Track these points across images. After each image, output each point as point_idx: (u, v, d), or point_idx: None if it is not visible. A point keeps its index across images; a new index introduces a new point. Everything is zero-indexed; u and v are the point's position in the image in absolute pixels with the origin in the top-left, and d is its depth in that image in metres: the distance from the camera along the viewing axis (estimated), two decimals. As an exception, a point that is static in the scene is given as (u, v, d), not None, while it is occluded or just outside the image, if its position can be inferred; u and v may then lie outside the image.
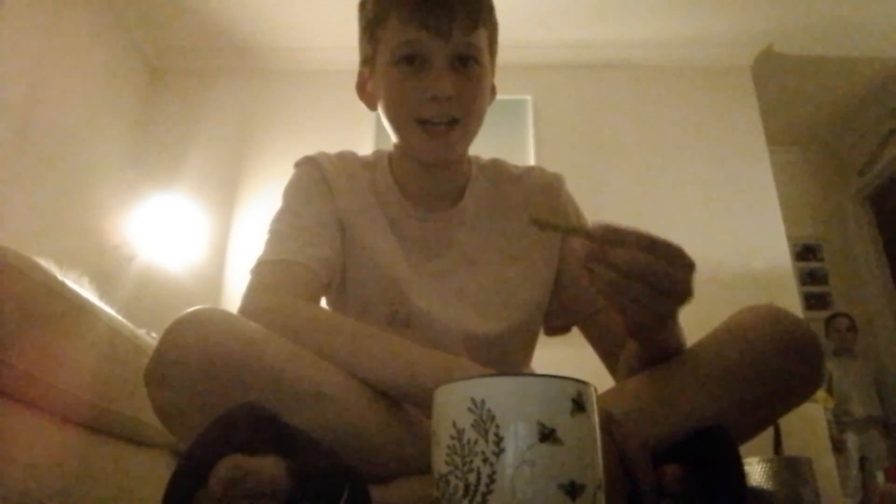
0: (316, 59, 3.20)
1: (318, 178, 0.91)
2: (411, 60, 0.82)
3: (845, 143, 4.12)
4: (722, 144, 3.09)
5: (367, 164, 0.96)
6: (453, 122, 0.83)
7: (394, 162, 0.95)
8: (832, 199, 4.21)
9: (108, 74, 2.90)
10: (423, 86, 0.82)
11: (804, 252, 4.07)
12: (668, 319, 0.65)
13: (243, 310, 0.73)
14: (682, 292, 0.60)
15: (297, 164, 0.95)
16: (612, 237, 0.57)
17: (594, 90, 3.21)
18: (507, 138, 2.95)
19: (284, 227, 0.86)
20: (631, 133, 3.11)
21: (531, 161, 2.96)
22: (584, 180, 3.00)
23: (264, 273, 0.81)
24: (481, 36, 0.85)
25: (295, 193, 0.91)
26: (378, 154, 0.98)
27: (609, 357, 0.89)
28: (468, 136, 0.88)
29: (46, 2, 2.47)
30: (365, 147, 2.84)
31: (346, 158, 0.96)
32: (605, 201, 2.96)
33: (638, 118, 3.14)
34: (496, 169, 0.99)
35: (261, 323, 0.66)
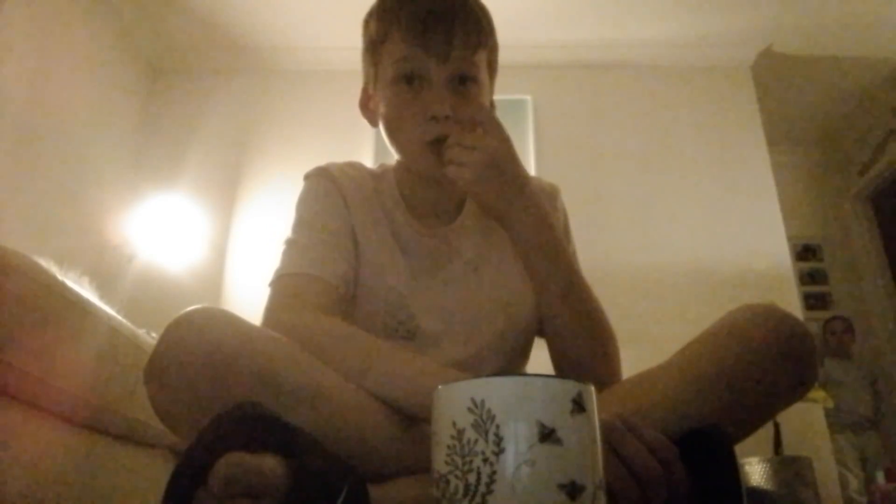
0: (316, 59, 3.20)
1: (332, 190, 0.91)
2: (410, 80, 0.84)
3: (845, 143, 4.12)
4: (722, 144, 3.09)
5: (374, 175, 0.97)
6: None
7: (398, 176, 0.96)
8: (832, 199, 4.21)
9: (108, 74, 2.90)
10: (422, 106, 0.83)
11: (804, 252, 4.07)
12: None
13: (266, 324, 0.74)
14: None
15: (309, 176, 0.94)
16: None
17: (594, 90, 3.20)
18: (507, 138, 2.94)
19: (302, 240, 0.86)
20: (631, 133, 3.11)
21: (531, 161, 2.97)
22: (584, 180, 3.02)
23: (284, 287, 0.81)
24: (480, 56, 0.86)
25: (310, 205, 0.90)
26: (383, 167, 0.99)
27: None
28: None
29: (47, 2, 2.47)
30: (364, 146, 2.85)
31: (356, 168, 0.96)
32: (605, 201, 2.96)
33: (638, 118, 3.14)
34: None
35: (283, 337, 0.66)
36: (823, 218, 4.16)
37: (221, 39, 3.15)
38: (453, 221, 0.94)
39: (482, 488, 0.39)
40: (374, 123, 0.94)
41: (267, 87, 3.19)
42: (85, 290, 1.08)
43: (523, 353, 0.95)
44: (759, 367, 0.66)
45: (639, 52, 3.21)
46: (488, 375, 0.43)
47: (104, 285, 1.39)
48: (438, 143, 0.83)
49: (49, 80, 2.45)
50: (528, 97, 3.09)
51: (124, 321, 1.20)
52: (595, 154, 3.06)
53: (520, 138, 3.00)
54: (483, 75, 0.88)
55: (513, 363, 0.92)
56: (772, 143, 3.15)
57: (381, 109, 0.89)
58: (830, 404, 2.93)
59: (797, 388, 0.69)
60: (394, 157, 0.94)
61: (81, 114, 2.68)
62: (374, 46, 0.89)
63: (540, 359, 0.98)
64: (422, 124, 0.83)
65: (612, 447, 0.54)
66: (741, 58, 3.24)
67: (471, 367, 0.84)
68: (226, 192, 3.00)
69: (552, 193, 0.99)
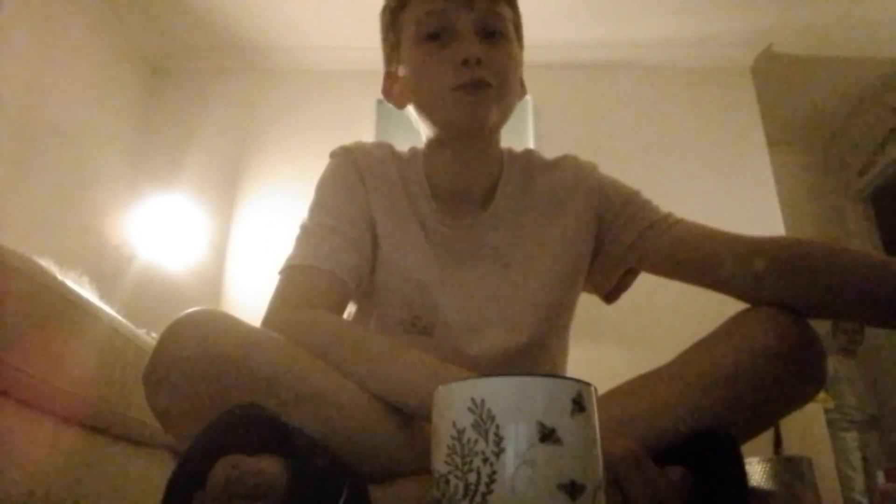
0: (316, 59, 3.20)
1: (353, 174, 0.88)
2: (436, 35, 0.82)
3: (845, 143, 4.12)
4: (722, 144, 3.08)
5: (402, 159, 0.93)
6: (486, 86, 0.81)
7: (427, 159, 0.92)
8: (832, 199, 4.21)
9: (108, 74, 2.90)
10: (450, 55, 0.80)
11: (804, 252, 4.05)
12: None
13: (267, 320, 0.72)
14: None
15: (334, 155, 0.92)
16: None
17: (594, 90, 3.20)
18: (507, 138, 2.92)
19: (317, 228, 0.82)
20: (631, 133, 3.11)
21: (531, 161, 2.96)
22: (584, 180, 3.01)
23: (292, 279, 0.79)
24: (504, 9, 0.84)
25: (329, 189, 0.88)
26: (413, 150, 0.94)
27: (695, 266, 0.81)
28: (502, 104, 0.86)
29: (46, 2, 2.47)
30: (365, 147, 2.85)
31: (383, 150, 0.93)
32: (605, 201, 2.96)
33: (638, 118, 3.14)
34: (529, 159, 0.98)
35: (284, 335, 0.65)
36: (823, 218, 4.16)
37: (221, 39, 3.15)
38: (484, 210, 0.90)
39: (482, 488, 0.39)
40: (401, 105, 0.91)
41: (267, 87, 3.19)
42: (85, 290, 1.08)
43: (555, 349, 0.90)
44: (766, 372, 0.65)
45: (639, 52, 3.21)
46: (488, 375, 0.43)
47: (104, 285, 1.39)
48: (469, 89, 0.80)
49: (49, 80, 2.45)
50: (529, 97, 3.08)
51: (124, 321, 1.20)
52: (595, 154, 3.01)
53: (520, 138, 3.00)
54: (510, 29, 0.85)
55: (544, 360, 0.88)
56: (772, 143, 3.15)
57: (409, 74, 0.85)
58: (831, 404, 2.92)
59: (805, 392, 0.69)
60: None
61: (81, 114, 2.68)
62: (394, 17, 0.87)
63: (574, 356, 0.97)
64: (451, 71, 0.80)
65: (617, 482, 0.53)
66: (741, 58, 3.24)
67: (500, 364, 0.81)
68: (226, 192, 2.99)
69: (588, 169, 0.99)
